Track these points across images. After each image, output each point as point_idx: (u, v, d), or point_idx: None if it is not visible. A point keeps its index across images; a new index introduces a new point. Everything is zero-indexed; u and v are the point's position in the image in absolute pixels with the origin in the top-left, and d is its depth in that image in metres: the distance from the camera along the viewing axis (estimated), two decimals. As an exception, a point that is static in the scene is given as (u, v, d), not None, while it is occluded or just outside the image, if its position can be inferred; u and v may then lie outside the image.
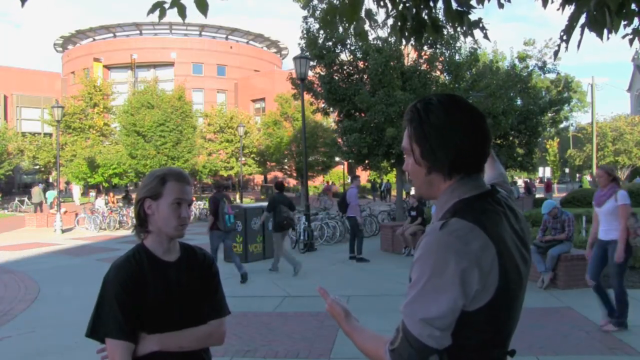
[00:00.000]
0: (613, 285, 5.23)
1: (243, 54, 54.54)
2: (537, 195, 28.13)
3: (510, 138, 19.29)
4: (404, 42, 2.87)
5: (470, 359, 1.17)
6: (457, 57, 15.57)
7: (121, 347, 1.59)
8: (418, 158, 1.24)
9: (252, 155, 34.88)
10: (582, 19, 2.58)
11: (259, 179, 46.11)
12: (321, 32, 14.80)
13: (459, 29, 2.72)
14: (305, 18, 15.10)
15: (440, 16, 3.11)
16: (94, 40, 54.44)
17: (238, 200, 27.83)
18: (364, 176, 39.89)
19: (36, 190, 24.60)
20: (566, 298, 6.65)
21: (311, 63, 14.77)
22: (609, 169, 5.36)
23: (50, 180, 34.73)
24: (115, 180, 31.57)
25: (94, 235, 17.23)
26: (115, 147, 32.30)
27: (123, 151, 29.57)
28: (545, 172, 37.62)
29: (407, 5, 2.77)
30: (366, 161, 15.77)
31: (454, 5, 2.67)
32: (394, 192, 30.79)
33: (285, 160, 31.73)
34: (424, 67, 15.06)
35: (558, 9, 2.87)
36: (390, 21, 2.85)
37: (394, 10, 2.78)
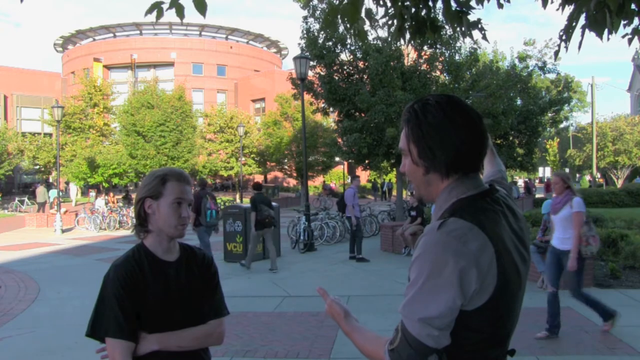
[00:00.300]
0: (573, 294, 5.17)
1: (243, 54, 54.52)
2: (537, 195, 28.16)
3: (510, 138, 19.31)
4: (402, 41, 2.88)
5: (469, 358, 1.17)
6: (457, 57, 15.56)
7: (121, 347, 1.59)
8: (416, 158, 1.24)
9: (252, 155, 34.88)
10: (582, 19, 2.59)
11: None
12: (321, 32, 14.80)
13: (458, 29, 2.72)
14: (305, 18, 15.10)
15: (440, 16, 3.11)
16: (94, 40, 54.42)
17: (238, 201, 27.84)
18: (364, 176, 39.90)
19: (41, 190, 24.60)
20: (566, 298, 6.65)
21: (311, 63, 14.77)
22: (563, 176, 5.22)
23: (50, 180, 34.67)
24: (115, 180, 31.56)
25: (94, 235, 17.23)
26: (115, 147, 32.29)
27: (123, 151, 29.58)
28: (545, 172, 37.64)
29: (406, 4, 2.77)
30: (366, 161, 15.78)
31: (454, 5, 2.67)
32: (394, 192, 30.78)
33: (285, 160, 31.74)
34: (424, 67, 15.05)
35: (558, 9, 2.87)
36: (388, 20, 2.85)
37: (392, 9, 2.78)
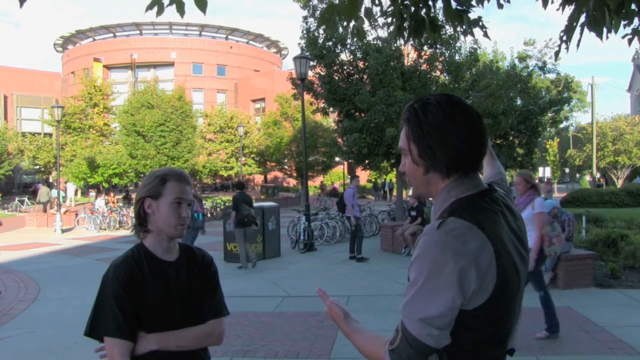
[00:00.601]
0: (537, 291, 5.11)
1: (243, 54, 54.49)
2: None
3: (510, 138, 19.30)
4: (402, 41, 2.88)
5: (469, 358, 1.17)
6: (457, 57, 15.55)
7: (120, 346, 1.59)
8: (416, 157, 1.24)
9: (252, 156, 34.86)
10: (582, 19, 2.58)
11: (259, 179, 46.04)
12: (321, 32, 14.79)
13: (458, 28, 2.72)
14: (305, 18, 15.10)
15: (440, 15, 3.11)
16: (94, 40, 54.39)
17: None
18: (364, 176, 39.89)
19: (44, 190, 24.60)
20: (566, 298, 6.65)
21: (311, 63, 14.76)
22: (526, 176, 5.19)
23: (50, 180, 34.63)
24: (115, 180, 31.54)
25: (94, 235, 17.23)
26: (115, 147, 32.26)
27: (123, 151, 29.55)
28: (545, 172, 37.59)
29: (406, 3, 2.76)
30: (366, 161, 15.78)
31: (454, 4, 2.67)
32: (395, 192, 30.77)
33: (285, 160, 31.71)
34: (424, 67, 15.05)
35: (558, 9, 2.87)
36: (388, 19, 2.85)
37: (392, 7, 2.77)
